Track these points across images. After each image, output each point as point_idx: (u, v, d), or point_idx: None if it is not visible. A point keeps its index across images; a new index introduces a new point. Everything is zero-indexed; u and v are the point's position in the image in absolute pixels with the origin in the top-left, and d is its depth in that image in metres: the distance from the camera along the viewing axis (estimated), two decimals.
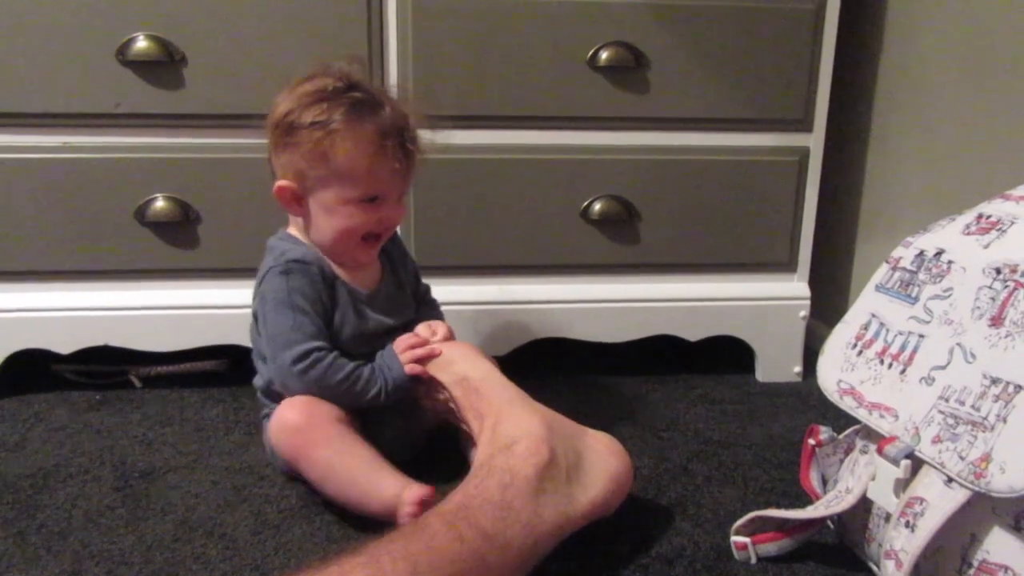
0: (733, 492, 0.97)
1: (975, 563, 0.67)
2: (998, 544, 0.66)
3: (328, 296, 0.95)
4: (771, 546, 0.83)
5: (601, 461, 0.85)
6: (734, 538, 0.84)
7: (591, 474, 0.83)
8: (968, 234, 0.77)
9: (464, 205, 1.22)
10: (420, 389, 0.97)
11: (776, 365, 1.32)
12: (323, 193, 0.93)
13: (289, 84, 0.94)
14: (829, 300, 1.42)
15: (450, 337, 0.99)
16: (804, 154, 1.26)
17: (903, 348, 0.77)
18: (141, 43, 1.10)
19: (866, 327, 0.83)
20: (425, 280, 1.11)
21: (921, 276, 0.79)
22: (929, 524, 0.68)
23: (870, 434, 0.79)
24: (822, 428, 0.88)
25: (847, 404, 0.80)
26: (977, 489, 0.65)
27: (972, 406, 0.68)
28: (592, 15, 1.16)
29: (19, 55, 1.09)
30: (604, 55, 1.17)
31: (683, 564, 0.82)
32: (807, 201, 1.28)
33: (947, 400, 0.70)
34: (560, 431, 0.84)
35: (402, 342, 0.97)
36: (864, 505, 0.77)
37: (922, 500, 0.69)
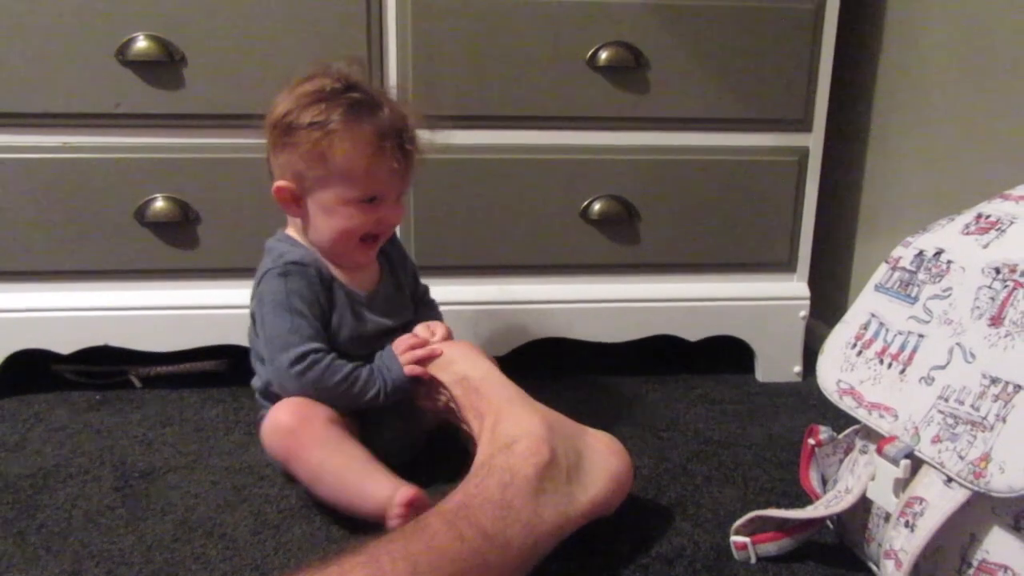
0: (733, 492, 0.97)
1: (975, 563, 0.67)
2: (998, 544, 0.66)
3: (326, 298, 0.95)
4: (771, 546, 0.83)
5: (601, 460, 0.85)
6: (734, 538, 0.84)
7: (591, 473, 0.83)
8: (967, 234, 0.78)
9: (464, 205, 1.22)
10: (420, 390, 0.97)
11: (776, 365, 1.33)
12: (321, 194, 0.93)
13: (288, 84, 0.94)
14: (829, 300, 1.42)
15: (449, 338, 0.99)
16: (804, 154, 1.26)
17: (903, 348, 0.77)
18: (141, 43, 1.10)
19: (866, 327, 0.83)
20: (425, 280, 1.11)
21: (920, 276, 0.79)
22: (929, 524, 0.68)
23: (870, 434, 0.79)
24: (822, 428, 0.88)
25: (847, 404, 0.80)
26: (976, 489, 0.65)
27: (971, 406, 0.68)
28: (592, 15, 1.16)
29: (19, 55, 1.09)
30: (604, 55, 1.17)
31: (683, 564, 0.82)
32: (807, 201, 1.28)
33: (947, 400, 0.71)
34: (560, 430, 0.84)
35: (401, 343, 0.97)
36: (864, 505, 0.77)
37: (922, 500, 0.69)
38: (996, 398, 0.66)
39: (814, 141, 1.26)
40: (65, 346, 1.19)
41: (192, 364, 1.24)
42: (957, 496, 0.67)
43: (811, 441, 0.89)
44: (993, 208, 0.78)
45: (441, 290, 1.14)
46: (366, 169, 0.91)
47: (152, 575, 0.79)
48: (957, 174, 1.15)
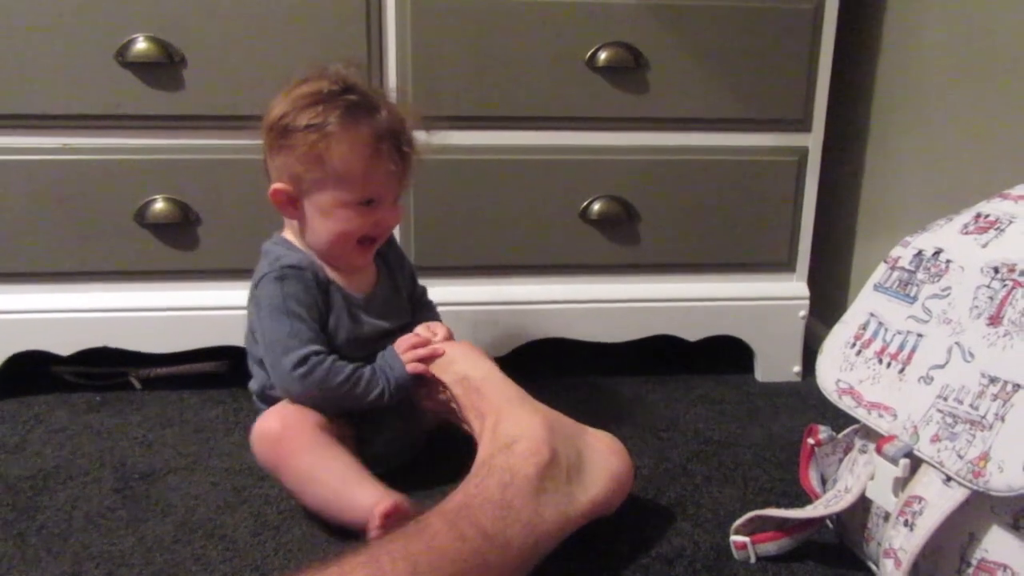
0: (733, 492, 0.97)
1: (974, 562, 0.67)
2: (997, 543, 0.66)
3: (323, 301, 0.95)
4: (771, 545, 0.83)
5: (602, 460, 0.85)
6: (734, 538, 0.84)
7: (592, 473, 0.83)
8: (966, 233, 0.78)
9: (463, 206, 1.22)
10: (421, 390, 0.97)
11: (775, 365, 1.33)
12: (318, 196, 0.92)
13: (285, 87, 0.93)
14: (828, 300, 1.42)
15: (449, 338, 0.99)
16: (803, 154, 1.26)
17: (902, 347, 0.77)
18: (140, 45, 1.10)
19: (865, 327, 0.83)
20: (425, 281, 1.11)
21: (919, 275, 0.79)
22: (928, 523, 0.68)
23: (869, 433, 0.79)
24: (821, 427, 0.88)
25: (846, 403, 0.80)
26: (976, 488, 0.65)
27: (970, 405, 0.68)
28: (591, 15, 1.16)
29: (19, 57, 1.09)
30: (603, 55, 1.17)
31: (683, 564, 0.82)
32: (806, 201, 1.28)
33: (946, 399, 0.71)
34: (561, 430, 0.84)
35: (403, 342, 0.97)
36: (863, 504, 0.77)
37: (921, 499, 0.69)
38: (995, 397, 0.66)
39: (813, 141, 1.26)
40: (65, 347, 1.19)
41: (192, 365, 1.24)
42: (956, 495, 0.67)
43: (811, 441, 0.89)
44: (992, 208, 0.78)
45: (441, 291, 1.14)
46: (363, 171, 0.91)
47: None
48: (956, 174, 1.15)
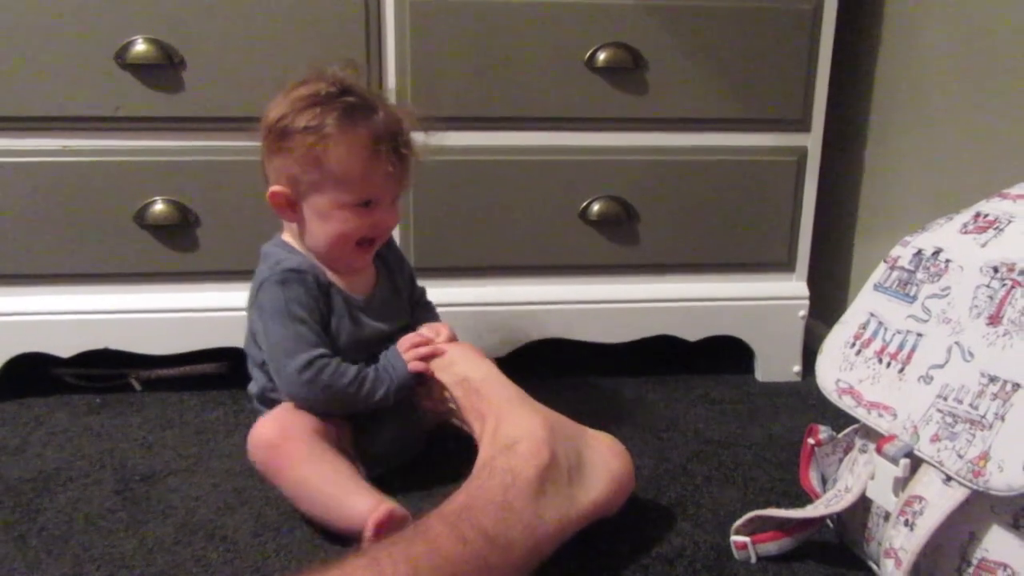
0: (733, 492, 0.97)
1: (974, 561, 0.67)
2: (997, 542, 0.67)
3: (324, 303, 0.95)
4: (771, 545, 0.83)
5: (603, 462, 0.85)
6: (734, 538, 0.84)
7: (593, 475, 0.83)
8: (966, 233, 0.78)
9: (463, 206, 1.22)
10: (421, 390, 0.97)
11: (775, 365, 1.33)
12: (317, 198, 0.92)
13: (282, 89, 0.93)
14: (828, 300, 1.42)
15: (453, 339, 0.99)
16: (802, 154, 1.26)
17: (901, 347, 0.77)
18: (140, 46, 1.10)
19: (864, 326, 0.83)
20: (425, 282, 1.11)
21: (919, 275, 0.79)
22: (928, 522, 0.68)
23: (869, 433, 0.79)
24: (821, 427, 0.88)
25: (846, 403, 0.80)
26: (976, 487, 0.65)
27: (970, 404, 0.68)
28: (590, 16, 1.16)
29: (18, 59, 1.09)
30: (602, 56, 1.17)
31: (683, 564, 0.82)
32: (806, 201, 1.28)
33: (945, 399, 0.71)
34: (561, 432, 0.84)
35: (405, 341, 0.97)
36: (863, 504, 0.77)
37: (921, 499, 0.69)
38: (995, 397, 0.67)
39: (813, 141, 1.26)
40: (65, 349, 1.19)
41: (192, 367, 1.24)
42: (956, 495, 0.67)
43: (811, 441, 0.89)
44: (991, 207, 0.78)
45: (441, 291, 1.14)
46: (361, 173, 0.91)
47: None
48: (956, 174, 1.15)
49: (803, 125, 1.25)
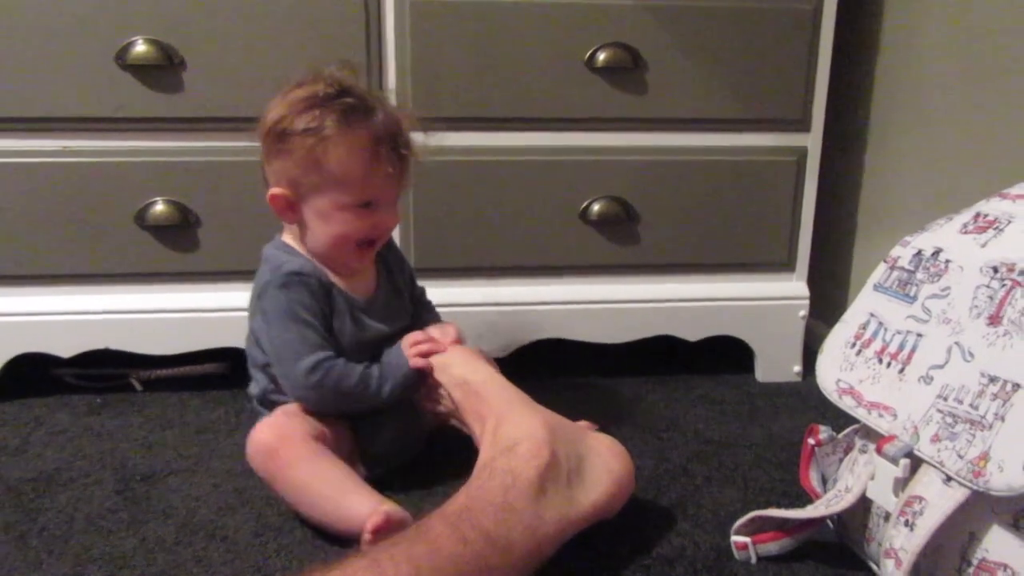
0: (733, 492, 0.97)
1: (974, 561, 0.68)
2: (997, 542, 0.67)
3: (326, 305, 0.95)
4: (771, 546, 0.83)
5: (603, 463, 0.85)
6: (734, 538, 0.84)
7: (593, 476, 0.83)
8: (965, 233, 0.78)
9: (463, 207, 1.22)
10: (422, 391, 0.97)
11: (776, 365, 1.33)
12: (317, 200, 0.92)
13: (281, 90, 0.93)
14: (828, 300, 1.42)
15: (460, 339, 0.99)
16: (802, 154, 1.26)
17: (901, 347, 0.78)
18: (140, 47, 1.10)
19: (865, 326, 0.83)
20: (425, 283, 1.11)
21: (919, 275, 0.79)
22: (928, 523, 0.68)
23: (869, 433, 0.79)
24: (821, 427, 0.88)
25: (846, 403, 0.80)
26: (976, 488, 0.65)
27: (970, 405, 0.68)
28: (590, 16, 1.16)
29: (19, 59, 1.09)
30: (602, 56, 1.17)
31: (684, 564, 0.82)
32: (806, 201, 1.28)
33: (945, 399, 0.71)
34: (562, 433, 0.84)
35: (408, 339, 0.97)
36: (864, 504, 0.78)
37: (921, 499, 0.69)
38: (995, 397, 0.67)
39: (813, 141, 1.26)
40: (66, 350, 1.19)
41: (193, 367, 1.24)
42: (956, 495, 0.67)
43: (811, 441, 0.89)
44: (991, 207, 0.78)
45: (441, 292, 1.14)
46: (361, 174, 0.91)
47: None
48: (956, 174, 1.15)
49: (803, 125, 1.25)
